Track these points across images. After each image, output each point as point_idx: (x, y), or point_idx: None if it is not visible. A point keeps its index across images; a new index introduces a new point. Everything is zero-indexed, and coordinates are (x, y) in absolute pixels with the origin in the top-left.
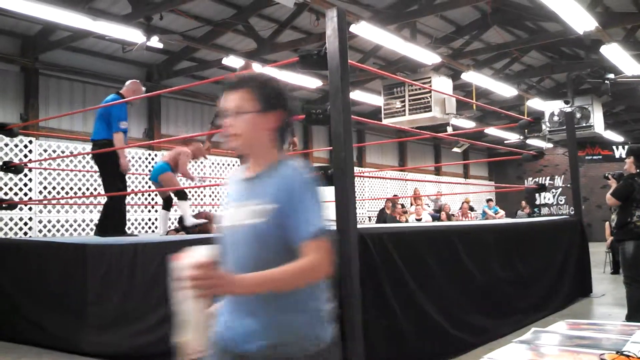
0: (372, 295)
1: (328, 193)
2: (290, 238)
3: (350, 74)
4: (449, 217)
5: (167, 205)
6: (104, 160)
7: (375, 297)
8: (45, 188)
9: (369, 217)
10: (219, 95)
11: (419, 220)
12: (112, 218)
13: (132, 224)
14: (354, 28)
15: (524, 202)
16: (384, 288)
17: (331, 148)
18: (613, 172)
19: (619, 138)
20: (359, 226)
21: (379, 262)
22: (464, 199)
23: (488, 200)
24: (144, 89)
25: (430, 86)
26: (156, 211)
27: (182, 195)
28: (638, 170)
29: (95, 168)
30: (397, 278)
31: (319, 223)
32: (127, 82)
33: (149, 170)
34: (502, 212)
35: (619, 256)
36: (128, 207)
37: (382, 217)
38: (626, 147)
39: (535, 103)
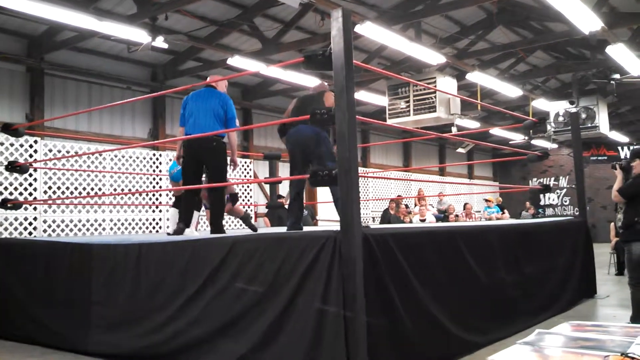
0: (376, 295)
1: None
2: None
3: (355, 74)
4: (457, 218)
5: (179, 204)
6: (222, 157)
7: (379, 298)
8: (50, 188)
9: (373, 218)
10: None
11: (422, 220)
12: (220, 213)
13: (136, 223)
14: (359, 28)
15: (528, 203)
16: (387, 289)
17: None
18: (620, 161)
19: (624, 139)
20: (362, 226)
21: (383, 263)
22: (467, 201)
23: (486, 200)
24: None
25: (435, 86)
26: (160, 211)
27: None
28: None
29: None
30: (401, 279)
31: None
32: (216, 78)
33: (153, 170)
34: (506, 214)
35: (624, 257)
36: (132, 207)
37: (386, 217)
38: (629, 149)
39: (540, 103)
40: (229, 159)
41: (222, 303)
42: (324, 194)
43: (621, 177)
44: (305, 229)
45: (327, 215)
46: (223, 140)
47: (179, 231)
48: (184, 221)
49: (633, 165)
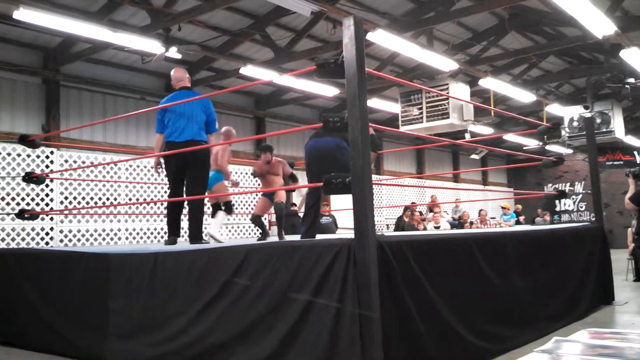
0: (391, 303)
1: (346, 201)
2: None
3: (368, 82)
4: (471, 225)
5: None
6: (205, 162)
7: (394, 306)
8: (66, 198)
9: (387, 225)
10: (237, 104)
11: (437, 228)
12: (201, 222)
13: (152, 233)
14: (370, 36)
15: (540, 210)
16: (402, 296)
17: None
18: (633, 168)
19: None
20: (377, 234)
21: (398, 271)
22: (482, 207)
23: (503, 207)
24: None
25: (448, 93)
26: (161, 220)
27: (229, 208)
28: None
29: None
30: (416, 286)
31: None
32: (182, 74)
33: (162, 180)
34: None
35: None
36: (147, 217)
37: (400, 225)
38: None
39: (554, 109)
40: None
41: (237, 311)
42: (339, 202)
43: (634, 185)
44: (324, 236)
45: (344, 223)
46: (204, 143)
47: (171, 242)
48: (175, 234)
49: None
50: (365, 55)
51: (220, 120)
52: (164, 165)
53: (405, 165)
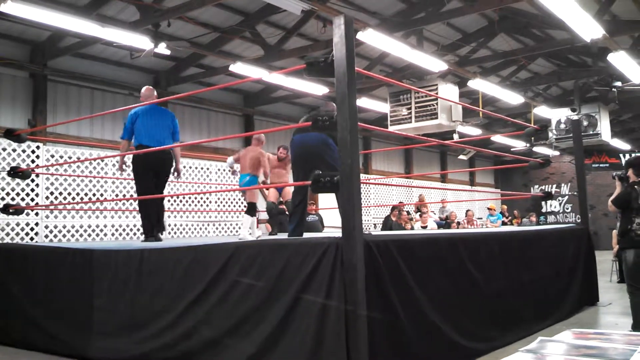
0: (377, 302)
1: (334, 200)
2: None
3: (357, 81)
4: (459, 225)
5: (252, 211)
6: (171, 166)
7: (380, 304)
8: (52, 193)
9: (375, 224)
10: (226, 101)
11: (424, 227)
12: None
13: (138, 229)
14: (360, 35)
15: (516, 212)
16: (389, 295)
17: None
18: (619, 171)
19: (626, 146)
20: (364, 233)
21: (385, 270)
22: (469, 207)
23: (489, 209)
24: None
25: (437, 93)
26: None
27: (252, 210)
28: (639, 179)
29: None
30: (403, 285)
31: None
32: (150, 93)
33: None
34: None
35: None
36: (134, 213)
37: (387, 224)
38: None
39: (542, 111)
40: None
41: (225, 308)
42: (326, 200)
43: (620, 188)
44: (311, 235)
45: (331, 221)
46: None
47: (158, 239)
48: (155, 234)
49: (628, 175)
50: (355, 54)
51: (209, 118)
52: (127, 164)
53: (394, 164)
